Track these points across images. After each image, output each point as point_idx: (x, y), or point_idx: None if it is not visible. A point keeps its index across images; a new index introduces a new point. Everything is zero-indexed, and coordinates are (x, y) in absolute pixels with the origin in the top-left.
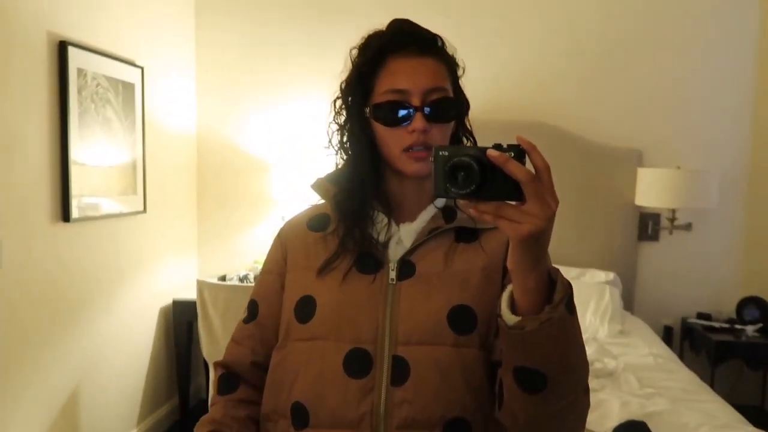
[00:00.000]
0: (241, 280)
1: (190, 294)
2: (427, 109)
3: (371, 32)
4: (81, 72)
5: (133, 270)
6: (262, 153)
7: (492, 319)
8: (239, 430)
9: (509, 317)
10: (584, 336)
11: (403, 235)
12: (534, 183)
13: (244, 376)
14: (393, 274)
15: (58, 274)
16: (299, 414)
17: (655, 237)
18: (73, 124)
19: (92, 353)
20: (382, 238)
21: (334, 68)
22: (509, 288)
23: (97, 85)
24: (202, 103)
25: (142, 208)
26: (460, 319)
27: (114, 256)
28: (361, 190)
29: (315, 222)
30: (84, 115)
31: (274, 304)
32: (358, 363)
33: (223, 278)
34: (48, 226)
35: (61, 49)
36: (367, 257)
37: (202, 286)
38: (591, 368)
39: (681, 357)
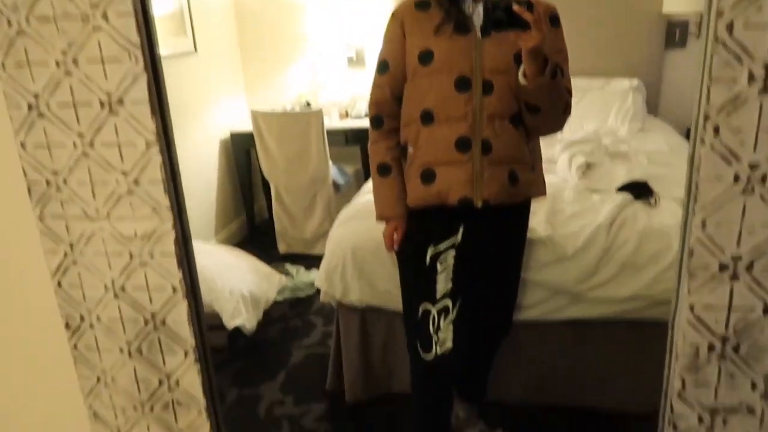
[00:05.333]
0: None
1: (243, 127)
2: None
3: None
4: None
5: (193, 106)
6: None
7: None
8: (393, 157)
9: (522, 81)
10: (604, 133)
11: (482, 11)
12: (536, 21)
13: (386, 110)
14: (479, 34)
15: None
16: (427, 116)
17: (682, 44)
18: None
19: None
20: (469, 12)
21: None
22: (522, 68)
23: None
24: None
25: (193, 49)
26: (517, 59)
27: (173, 94)
28: None
29: (420, 6)
30: None
31: (398, 61)
32: (463, 84)
33: None
34: None
35: None
36: (460, 24)
37: (256, 115)
38: (606, 150)
39: None
